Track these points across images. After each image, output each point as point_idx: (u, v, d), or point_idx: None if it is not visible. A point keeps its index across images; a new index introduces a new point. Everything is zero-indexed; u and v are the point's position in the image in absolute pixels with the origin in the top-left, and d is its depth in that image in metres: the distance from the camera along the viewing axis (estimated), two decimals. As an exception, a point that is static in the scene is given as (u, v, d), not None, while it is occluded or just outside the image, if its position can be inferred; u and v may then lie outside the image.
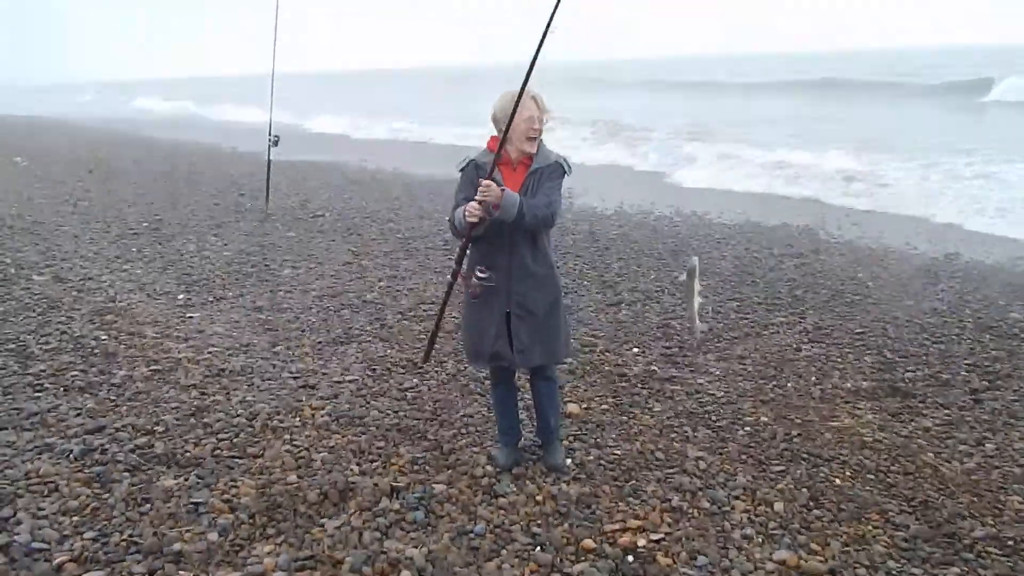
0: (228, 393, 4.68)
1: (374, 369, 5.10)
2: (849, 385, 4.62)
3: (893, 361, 5.05)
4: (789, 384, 4.70)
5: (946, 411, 4.26)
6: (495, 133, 3.48)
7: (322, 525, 3.27)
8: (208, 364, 5.14)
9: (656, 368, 4.98)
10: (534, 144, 3.45)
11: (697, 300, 3.67)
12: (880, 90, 34.45)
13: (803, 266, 7.75)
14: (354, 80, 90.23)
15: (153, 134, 26.21)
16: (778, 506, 3.35)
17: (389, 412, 4.40)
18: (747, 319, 6.05)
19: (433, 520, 3.31)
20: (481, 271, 3.44)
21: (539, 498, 3.46)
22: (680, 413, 4.32)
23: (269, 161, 11.05)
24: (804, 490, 3.47)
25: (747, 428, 4.11)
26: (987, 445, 3.88)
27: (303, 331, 5.92)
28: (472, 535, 3.19)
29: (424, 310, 6.38)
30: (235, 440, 4.03)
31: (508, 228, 3.40)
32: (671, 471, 3.68)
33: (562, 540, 3.13)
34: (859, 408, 4.32)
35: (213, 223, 10.12)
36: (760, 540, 3.13)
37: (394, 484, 3.56)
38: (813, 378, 4.79)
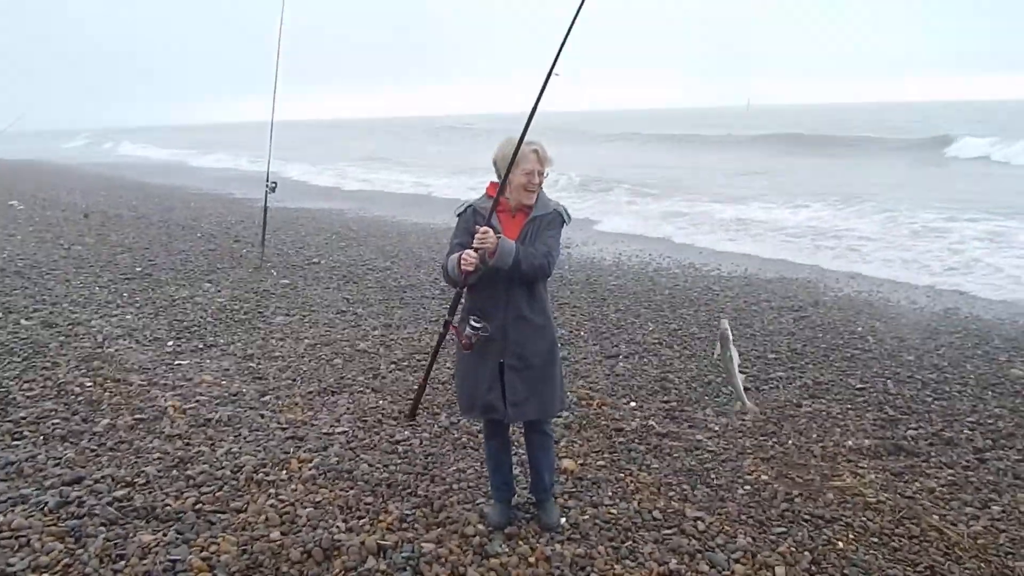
0: (213, 444, 4.59)
1: (365, 420, 5.01)
2: (851, 443, 4.53)
3: (895, 418, 4.98)
4: (790, 441, 4.62)
5: (950, 471, 4.18)
6: (496, 179, 3.49)
7: (305, 586, 3.15)
8: (194, 413, 5.05)
9: (654, 423, 4.90)
10: (532, 196, 3.45)
11: (739, 375, 3.68)
12: (849, 145, 35.22)
13: (801, 319, 7.73)
14: (349, 128, 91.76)
15: (149, 180, 26.46)
16: (780, 571, 3.24)
17: (379, 466, 4.30)
18: (745, 372, 5.98)
19: (421, 582, 3.19)
20: (475, 321, 3.40)
21: (532, 560, 3.35)
22: (678, 470, 4.23)
23: (266, 208, 11.10)
24: (806, 553, 3.37)
25: (747, 487, 4.01)
26: (993, 507, 3.79)
27: (294, 380, 5.84)
28: (462, 599, 3.08)
29: (418, 360, 6.31)
30: (218, 494, 3.92)
31: (504, 277, 3.38)
32: (669, 532, 3.57)
33: (555, 605, 3.02)
34: (861, 467, 4.23)
35: (207, 269, 10.11)
36: (762, 607, 3.02)
37: (381, 542, 3.45)
38: (814, 435, 4.71)
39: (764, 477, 4.12)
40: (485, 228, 3.30)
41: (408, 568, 3.27)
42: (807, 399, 5.39)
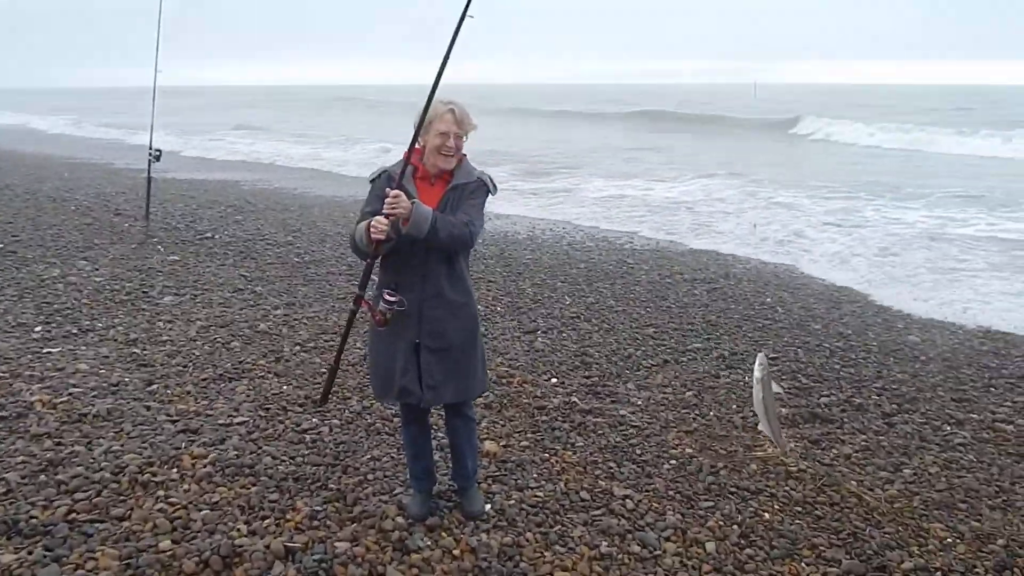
0: (90, 442, 4.10)
1: (267, 408, 4.64)
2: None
3: (808, 386, 5.08)
4: (711, 413, 4.61)
5: (863, 436, 4.27)
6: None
7: (202, 601, 2.83)
8: (67, 408, 4.52)
9: (577, 399, 4.78)
10: (449, 161, 3.19)
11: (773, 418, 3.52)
12: (703, 124, 37.14)
13: (714, 291, 7.84)
14: (237, 96, 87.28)
15: (19, 148, 24.20)
16: (710, 546, 3.18)
17: (284, 458, 3.96)
18: (664, 345, 5.98)
19: (336, 586, 2.93)
20: (390, 294, 3.13)
21: (457, 552, 3.14)
22: (604, 448, 4.13)
23: (150, 178, 10.26)
24: (735, 527, 3.33)
25: (673, 461, 3.96)
26: (905, 471, 3.89)
27: (185, 367, 5.36)
28: (382, 601, 2.84)
29: (325, 341, 5.94)
30: (96, 500, 3.48)
31: (421, 248, 3.12)
32: (598, 513, 3.45)
33: (484, 601, 2.83)
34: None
35: (82, 245, 9.24)
36: (696, 587, 2.95)
37: (289, 545, 3.15)
38: (734, 406, 4.72)
39: (689, 451, 4.07)
40: (396, 191, 3.02)
41: (320, 571, 2.99)
42: (724, 370, 5.43)
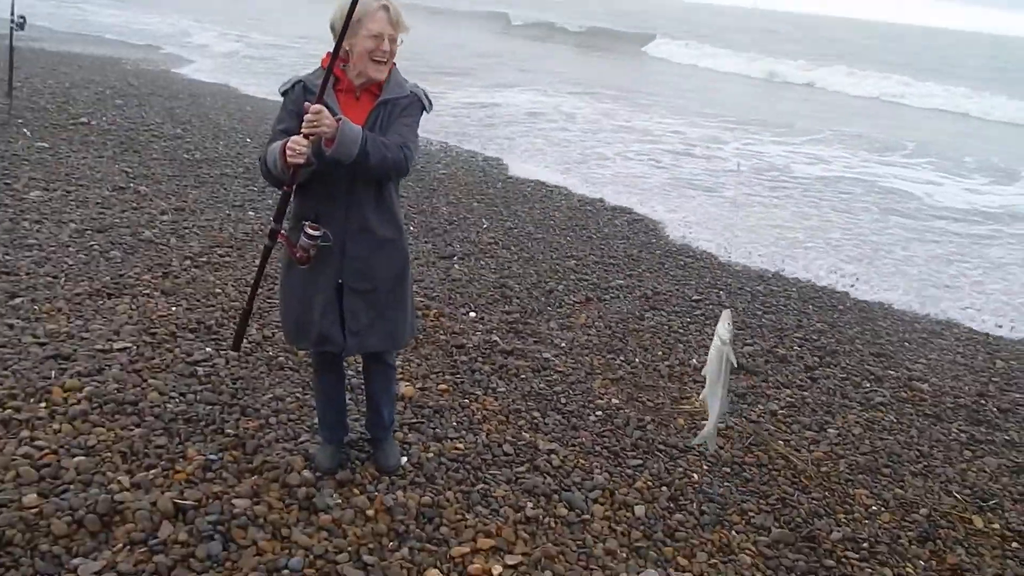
0: (-63, 369, 3.53)
1: (153, 334, 4.13)
2: (695, 361, 4.50)
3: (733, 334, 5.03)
4: (637, 359, 4.49)
5: (788, 391, 4.27)
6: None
7: (74, 570, 2.45)
8: (-92, 325, 3.87)
9: (497, 338, 4.53)
10: (382, 69, 2.73)
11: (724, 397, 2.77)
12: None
13: (635, 223, 7.69)
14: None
15: None
16: (639, 510, 3.07)
17: (174, 395, 3.54)
18: (587, 280, 5.80)
19: (234, 553, 2.62)
20: (312, 228, 2.71)
21: (371, 513, 2.89)
22: (527, 394, 3.93)
23: (12, 47, 8.87)
24: (664, 488, 3.24)
25: (599, 412, 3.81)
26: (830, 431, 3.91)
27: (55, 278, 4.71)
28: (287, 572, 2.56)
29: (220, 255, 5.39)
30: (-56, 443, 2.98)
31: (345, 175, 2.70)
32: (522, 469, 3.27)
33: (401, 573, 2.60)
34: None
35: (-71, 124, 8.00)
36: (625, 555, 2.83)
37: (179, 501, 2.79)
38: (659, 352, 4.62)
39: (615, 401, 3.94)
40: (319, 106, 2.55)
41: (215, 535, 2.66)
42: (648, 311, 5.31)
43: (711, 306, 5.53)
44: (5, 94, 9.00)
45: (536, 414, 3.74)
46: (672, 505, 3.14)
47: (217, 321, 4.37)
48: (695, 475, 3.36)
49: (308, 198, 2.80)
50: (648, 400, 4.00)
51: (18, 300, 4.33)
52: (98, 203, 6.21)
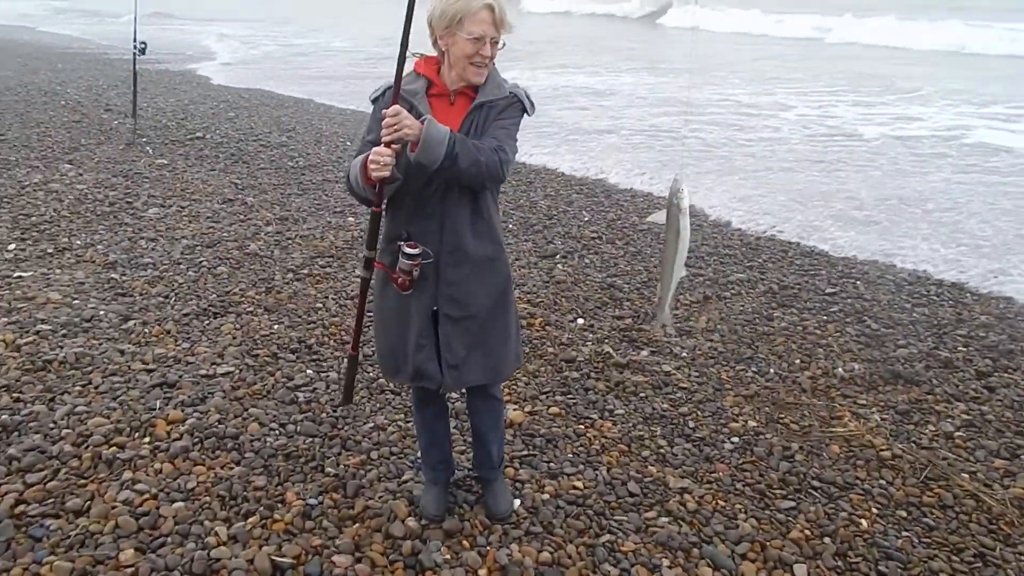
0: (53, 399, 3.35)
1: (255, 355, 3.85)
2: (841, 371, 3.77)
3: (880, 333, 4.24)
4: (771, 370, 3.80)
5: (962, 406, 3.46)
6: (431, 50, 2.31)
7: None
8: (32, 352, 3.75)
9: (610, 349, 3.97)
10: (481, 73, 2.24)
11: (678, 271, 2.37)
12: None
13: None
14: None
15: (14, 36, 22.39)
16: (800, 571, 2.45)
17: (274, 424, 3.21)
18: (701, 275, 5.12)
19: (332, 625, 2.22)
20: (409, 246, 2.27)
21: (483, 573, 2.42)
22: (649, 417, 3.35)
23: (135, 72, 9.04)
24: (827, 540, 2.58)
25: (735, 439, 3.18)
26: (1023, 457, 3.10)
27: (166, 298, 4.54)
28: (390, 652, 2.14)
29: (321, 267, 5.09)
30: (49, 484, 2.76)
31: (437, 186, 2.25)
32: (652, 514, 2.71)
33: (521, 657, 2.13)
34: (861, 404, 3.47)
35: (69, 146, 8.24)
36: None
37: (277, 559, 2.43)
38: (797, 360, 3.90)
39: (752, 423, 3.29)
40: (396, 107, 2.12)
41: (314, 600, 2.28)
42: (776, 309, 4.58)
43: (849, 300, 4.72)
44: (131, 115, 9.19)
45: (662, 442, 3.16)
46: (840, 564, 2.48)
47: (318, 339, 4.05)
48: (863, 521, 2.68)
49: (398, 216, 2.37)
50: (792, 421, 3.32)
51: (131, 323, 4.17)
52: (208, 217, 6.09)
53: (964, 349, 4.05)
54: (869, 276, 5.19)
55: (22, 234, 5.49)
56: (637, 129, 10.42)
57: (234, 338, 4.04)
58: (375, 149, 2.17)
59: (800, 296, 4.77)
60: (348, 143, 9.08)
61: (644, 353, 3.96)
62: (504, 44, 2.27)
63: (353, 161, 2.30)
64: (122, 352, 3.83)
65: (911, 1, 26.89)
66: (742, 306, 4.60)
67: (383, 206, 2.34)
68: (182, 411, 3.28)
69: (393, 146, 2.15)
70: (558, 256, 5.44)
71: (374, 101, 2.35)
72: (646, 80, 15.06)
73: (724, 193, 7.30)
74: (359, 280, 2.53)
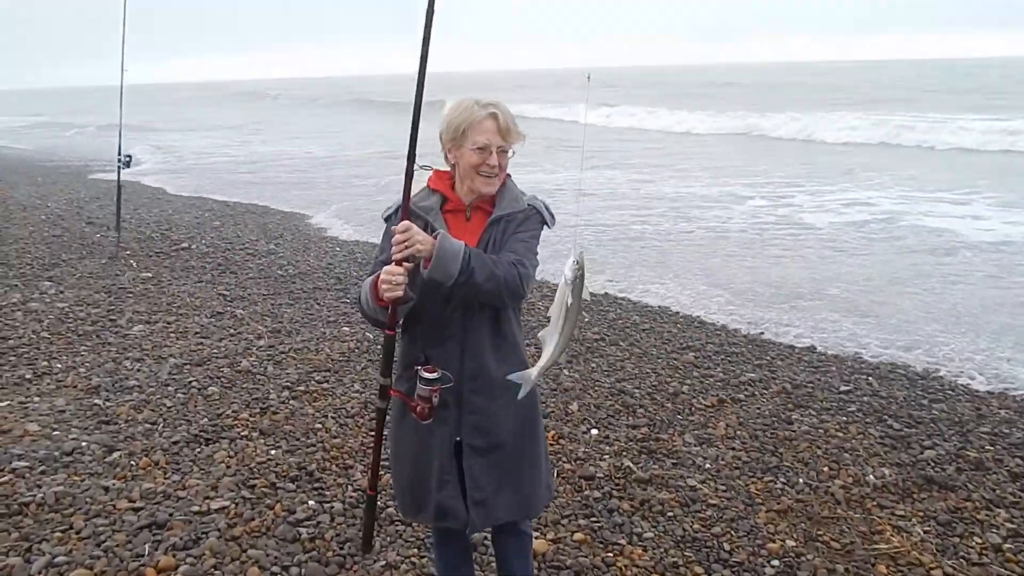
0: (30, 549, 3.08)
1: (252, 486, 3.62)
2: (872, 478, 3.62)
3: (904, 433, 4.12)
4: (800, 479, 3.64)
5: (1004, 513, 3.31)
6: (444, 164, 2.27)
7: None
8: (7, 493, 3.49)
9: (629, 462, 3.80)
10: (491, 183, 2.20)
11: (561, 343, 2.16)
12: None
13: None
14: (226, 91, 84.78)
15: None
16: None
17: (276, 569, 2.96)
18: (712, 375, 5.02)
19: None
20: (428, 371, 2.15)
21: None
22: (681, 540, 3.15)
23: (119, 184, 9.07)
24: None
25: (775, 562, 2.99)
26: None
27: (154, 424, 4.32)
28: None
29: (318, 382, 4.92)
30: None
31: (455, 305, 2.17)
32: (700, 659, 2.49)
33: None
34: (900, 515, 3.30)
35: (49, 262, 8.12)
36: None
37: None
38: (825, 467, 3.76)
39: (791, 543, 3.11)
40: (406, 223, 2.06)
41: None
42: (793, 410, 4.47)
43: (865, 398, 4.62)
44: (114, 227, 9.16)
45: (699, 569, 2.95)
46: None
47: (319, 464, 3.84)
48: (929, 658, 2.48)
49: (415, 339, 2.26)
50: (831, 539, 3.14)
51: (116, 455, 3.93)
52: (197, 332, 5.93)
53: (992, 448, 3.93)
54: (881, 371, 5.13)
55: (-2, 359, 5.29)
56: (609, 226, 10.52)
57: (228, 467, 3.82)
58: (386, 268, 2.08)
59: (815, 395, 4.67)
60: (337, 248, 9.09)
61: (666, 465, 3.79)
62: (514, 153, 2.25)
63: (363, 282, 2.22)
64: (106, 489, 3.58)
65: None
66: (758, 408, 4.49)
67: (397, 329, 2.24)
68: (173, 556, 3.03)
69: (405, 264, 2.08)
70: (563, 361, 5.34)
71: (387, 219, 2.29)
72: (611, 176, 15.35)
73: (721, 288, 7.33)
74: (375, 411, 2.39)
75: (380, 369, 2.27)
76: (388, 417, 2.35)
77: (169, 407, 4.53)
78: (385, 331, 2.22)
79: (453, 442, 2.26)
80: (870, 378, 4.96)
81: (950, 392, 4.76)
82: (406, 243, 2.04)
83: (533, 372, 2.20)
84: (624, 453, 3.92)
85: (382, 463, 2.50)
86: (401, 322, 2.24)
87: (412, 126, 2.13)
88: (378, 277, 2.10)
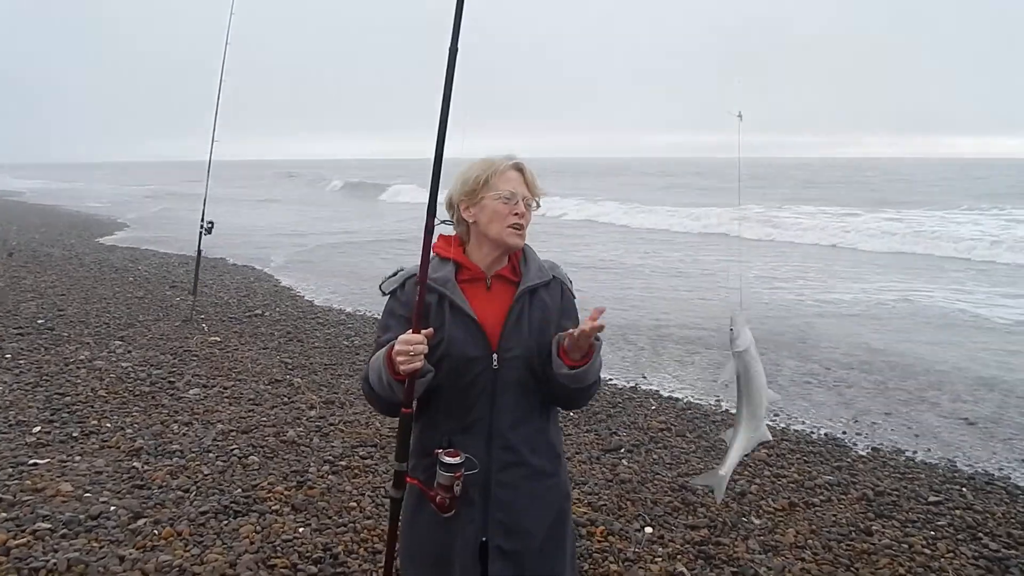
0: (32, 621, 2.87)
1: (272, 565, 3.33)
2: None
3: (1001, 555, 3.47)
4: (885, 606, 3.07)
5: None
6: (452, 230, 2.02)
7: None
8: (21, 556, 3.31)
9: (684, 568, 3.32)
10: (520, 236, 1.94)
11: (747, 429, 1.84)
12: None
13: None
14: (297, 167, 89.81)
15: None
16: None
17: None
18: (785, 475, 4.47)
19: None
20: (450, 455, 1.85)
21: None
22: (742, 673, 2.65)
23: (199, 250, 9.37)
24: None
25: None
26: None
27: (186, 491, 4.12)
28: None
29: (361, 457, 4.65)
30: None
31: (486, 380, 1.90)
32: None
33: None
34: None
35: (124, 322, 8.32)
36: None
37: None
38: (913, 592, 3.17)
39: None
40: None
41: None
42: (874, 520, 3.87)
43: (957, 511, 3.97)
44: (190, 292, 9.41)
45: None
46: None
47: (346, 547, 3.52)
48: None
49: (435, 421, 1.97)
50: None
51: (141, 521, 3.73)
52: (251, 399, 5.81)
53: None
54: (976, 482, 4.45)
55: (51, 415, 5.26)
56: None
57: (252, 542, 3.55)
58: (403, 336, 1.80)
59: (900, 505, 4.06)
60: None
61: (725, 574, 3.28)
62: (538, 206, 1.99)
63: (371, 359, 1.95)
64: (122, 559, 3.36)
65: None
66: (834, 516, 3.91)
67: (413, 407, 1.95)
68: (176, 646, 2.75)
69: (425, 331, 1.81)
70: (623, 450, 4.90)
71: (390, 293, 2.01)
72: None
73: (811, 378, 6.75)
74: (389, 501, 2.08)
75: (395, 453, 1.99)
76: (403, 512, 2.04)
77: (206, 474, 4.34)
78: (401, 410, 1.93)
79: (479, 543, 1.92)
80: (964, 489, 4.29)
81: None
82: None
83: (722, 470, 1.89)
84: (679, 556, 3.44)
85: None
86: (415, 402, 1.95)
87: (433, 177, 1.91)
88: (392, 348, 1.84)
